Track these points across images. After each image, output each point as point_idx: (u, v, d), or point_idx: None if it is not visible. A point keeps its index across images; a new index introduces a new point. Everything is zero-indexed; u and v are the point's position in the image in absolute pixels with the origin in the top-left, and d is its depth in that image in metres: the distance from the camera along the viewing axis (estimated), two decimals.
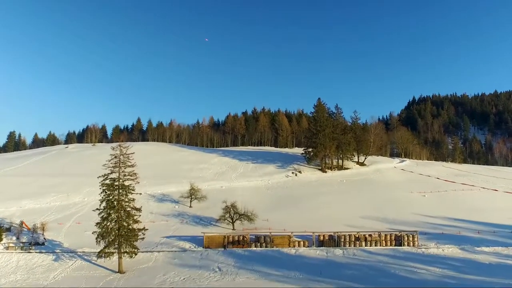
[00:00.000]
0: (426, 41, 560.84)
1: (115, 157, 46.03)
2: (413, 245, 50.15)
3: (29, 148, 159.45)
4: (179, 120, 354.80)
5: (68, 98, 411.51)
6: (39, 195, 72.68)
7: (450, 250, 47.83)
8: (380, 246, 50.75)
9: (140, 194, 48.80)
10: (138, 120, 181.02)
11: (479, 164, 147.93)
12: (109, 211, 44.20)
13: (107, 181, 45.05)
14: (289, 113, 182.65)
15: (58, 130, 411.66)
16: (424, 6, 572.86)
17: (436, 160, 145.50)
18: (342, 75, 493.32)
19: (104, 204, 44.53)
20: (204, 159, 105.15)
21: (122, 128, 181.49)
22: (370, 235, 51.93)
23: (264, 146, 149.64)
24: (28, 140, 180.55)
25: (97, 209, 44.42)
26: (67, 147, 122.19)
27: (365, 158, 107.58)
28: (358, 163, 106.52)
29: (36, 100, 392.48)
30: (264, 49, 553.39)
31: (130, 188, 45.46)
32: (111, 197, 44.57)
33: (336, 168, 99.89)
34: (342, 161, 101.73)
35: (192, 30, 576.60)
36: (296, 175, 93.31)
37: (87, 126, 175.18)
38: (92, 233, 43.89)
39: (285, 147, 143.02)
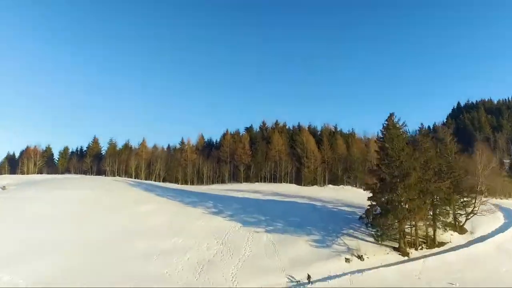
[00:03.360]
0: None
1: None
2: None
3: None
4: (156, 141, 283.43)
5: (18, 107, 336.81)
6: None
7: None
8: None
9: None
10: (95, 141, 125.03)
11: None
12: None
13: None
14: (314, 130, 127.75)
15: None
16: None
17: None
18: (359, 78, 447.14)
19: None
20: (180, 222, 58.58)
21: (73, 151, 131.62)
22: None
23: (281, 182, 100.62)
24: None
25: None
26: None
27: (467, 219, 61.83)
28: (454, 228, 60.66)
29: None
30: (267, 49, 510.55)
31: None
32: None
33: (423, 244, 54.15)
34: (434, 231, 55.78)
35: (188, 28, 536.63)
36: (354, 263, 47.61)
37: (27, 148, 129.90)
38: None
39: (312, 185, 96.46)
